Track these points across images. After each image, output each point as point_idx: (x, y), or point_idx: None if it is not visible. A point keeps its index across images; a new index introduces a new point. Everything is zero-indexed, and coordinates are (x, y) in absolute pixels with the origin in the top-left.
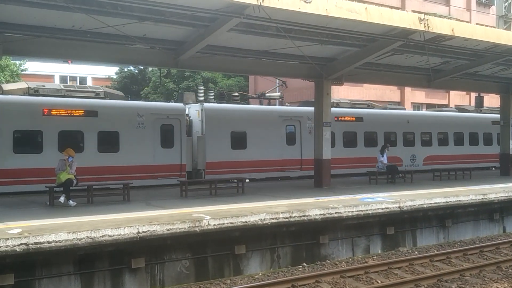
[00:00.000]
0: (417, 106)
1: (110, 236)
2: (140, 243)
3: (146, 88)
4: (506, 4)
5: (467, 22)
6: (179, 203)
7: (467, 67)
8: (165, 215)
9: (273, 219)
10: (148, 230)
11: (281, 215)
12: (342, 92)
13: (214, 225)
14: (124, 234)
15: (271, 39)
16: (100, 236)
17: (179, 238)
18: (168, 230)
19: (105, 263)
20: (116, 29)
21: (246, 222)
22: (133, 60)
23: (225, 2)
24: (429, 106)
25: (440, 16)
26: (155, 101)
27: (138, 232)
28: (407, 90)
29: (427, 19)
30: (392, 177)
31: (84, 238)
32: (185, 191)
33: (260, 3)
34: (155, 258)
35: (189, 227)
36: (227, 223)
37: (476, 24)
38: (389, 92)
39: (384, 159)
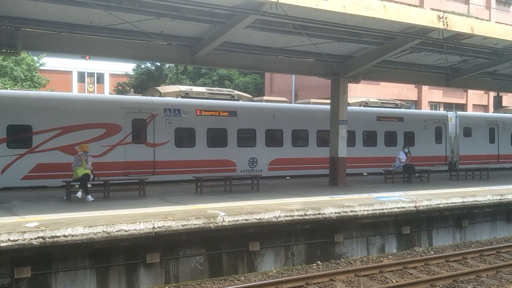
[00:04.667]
0: (434, 105)
1: (125, 231)
2: (155, 239)
3: (163, 84)
4: None
5: (487, 20)
6: (194, 199)
7: (486, 66)
8: (180, 211)
9: (287, 216)
10: (163, 226)
11: (295, 213)
12: (358, 91)
13: (229, 221)
14: (140, 229)
15: (288, 36)
16: (116, 231)
17: (193, 234)
18: (183, 226)
19: (121, 257)
20: (134, 25)
21: (260, 219)
22: (150, 57)
23: None
24: (447, 105)
25: (459, 14)
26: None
27: (154, 228)
28: (425, 88)
29: (446, 17)
30: (409, 176)
31: (100, 232)
32: (200, 187)
33: (278, 0)
34: (169, 254)
35: (204, 223)
36: (241, 219)
37: (496, 22)
38: (406, 91)
39: (403, 158)
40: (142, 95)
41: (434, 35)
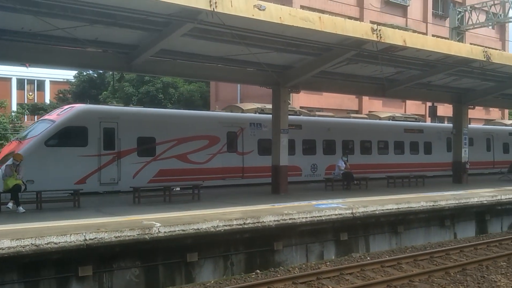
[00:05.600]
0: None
1: (55, 243)
2: (87, 251)
3: (105, 92)
4: (459, 16)
5: (424, 33)
6: (131, 210)
7: (420, 77)
8: (114, 222)
9: (226, 226)
10: (95, 238)
11: (234, 222)
12: (302, 100)
13: (165, 232)
14: (71, 242)
15: (227, 45)
16: (45, 243)
17: (128, 246)
18: (116, 237)
19: (51, 271)
20: (67, 32)
21: (198, 229)
22: (86, 64)
23: (177, 7)
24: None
25: (398, 27)
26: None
27: (85, 240)
28: (365, 99)
29: (379, 30)
30: (348, 183)
31: (29, 245)
32: (138, 197)
33: (213, 9)
34: (103, 266)
35: (139, 234)
36: (178, 230)
37: (432, 35)
38: (347, 101)
39: (342, 165)
40: (221, 111)
41: (368, 47)
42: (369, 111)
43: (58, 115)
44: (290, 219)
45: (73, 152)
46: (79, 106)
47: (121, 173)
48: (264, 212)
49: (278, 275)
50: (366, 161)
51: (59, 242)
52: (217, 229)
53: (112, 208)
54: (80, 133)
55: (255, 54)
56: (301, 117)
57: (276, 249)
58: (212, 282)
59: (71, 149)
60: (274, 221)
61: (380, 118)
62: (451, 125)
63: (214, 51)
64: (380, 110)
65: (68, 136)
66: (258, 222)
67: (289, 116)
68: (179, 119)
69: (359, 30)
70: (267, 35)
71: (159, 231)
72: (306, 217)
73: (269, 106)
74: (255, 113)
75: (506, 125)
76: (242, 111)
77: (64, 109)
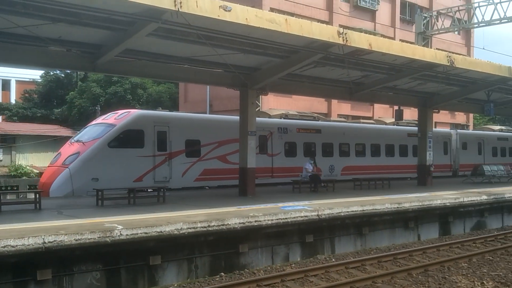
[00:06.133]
0: (343, 118)
1: (13, 246)
2: (46, 254)
3: (72, 92)
4: (425, 21)
5: (392, 38)
6: (93, 212)
7: (386, 81)
8: (75, 225)
9: (190, 228)
10: (54, 241)
11: (199, 225)
12: (271, 102)
13: (127, 235)
14: (29, 245)
15: (194, 46)
16: (2, 247)
17: (89, 249)
18: (76, 240)
19: (8, 275)
20: (29, 30)
21: (161, 232)
22: (49, 63)
23: (142, 6)
24: (354, 118)
25: (366, 31)
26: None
27: (44, 242)
28: (334, 102)
29: (345, 33)
30: (315, 186)
31: None
32: (101, 199)
33: (178, 9)
34: (63, 270)
35: (100, 237)
36: (140, 233)
37: (400, 40)
38: (317, 104)
39: (309, 168)
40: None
41: (335, 50)
42: (338, 114)
43: (116, 119)
44: (255, 221)
45: (132, 153)
46: (136, 111)
47: (172, 172)
48: (230, 215)
49: (243, 278)
50: (376, 162)
51: (17, 245)
52: (181, 232)
53: (74, 210)
54: (137, 136)
55: (222, 55)
56: (320, 122)
57: (242, 252)
58: (176, 285)
59: (130, 150)
60: (240, 223)
61: (386, 124)
62: (446, 130)
63: (180, 52)
64: (349, 114)
65: (127, 138)
66: (223, 225)
67: (308, 121)
68: (219, 123)
69: (326, 33)
70: (233, 36)
71: (121, 234)
72: (272, 220)
73: (293, 112)
74: (281, 118)
75: (494, 130)
76: (270, 116)
77: (120, 114)
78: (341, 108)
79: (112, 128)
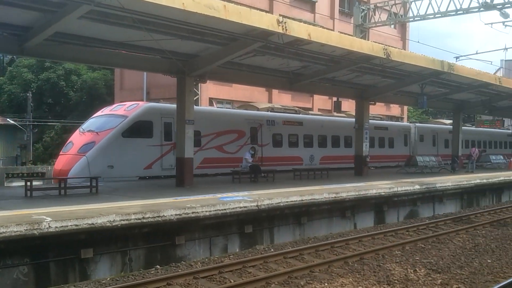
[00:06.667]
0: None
1: None
2: None
3: (1, 78)
4: (363, 14)
5: (331, 29)
6: (21, 204)
7: (325, 72)
8: (0, 217)
9: (124, 220)
10: None
11: (133, 216)
12: (211, 91)
13: (56, 227)
14: None
15: (129, 31)
16: None
17: (14, 242)
18: (1, 233)
19: None
20: None
21: (93, 224)
22: None
23: None
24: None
25: (306, 22)
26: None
27: None
28: (275, 92)
29: (285, 22)
30: (255, 176)
31: None
32: (30, 190)
33: None
34: None
35: (26, 230)
36: (71, 225)
37: (339, 32)
38: (257, 94)
39: (249, 158)
40: (241, 109)
41: (274, 39)
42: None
43: (127, 111)
44: (193, 212)
45: (142, 142)
46: (145, 104)
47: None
48: (166, 206)
49: (179, 270)
50: (348, 153)
51: None
52: (114, 224)
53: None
54: (147, 127)
55: (158, 40)
56: (302, 115)
57: (178, 244)
58: (109, 279)
59: (141, 140)
60: (176, 215)
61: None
62: (406, 123)
63: (115, 36)
64: (289, 104)
65: (138, 129)
66: (158, 216)
67: (292, 115)
68: (217, 115)
69: (265, 21)
70: (170, 21)
71: (49, 226)
72: (210, 211)
73: (278, 105)
74: (268, 111)
75: (446, 124)
76: (258, 109)
77: (129, 106)
78: (282, 98)
79: (125, 119)
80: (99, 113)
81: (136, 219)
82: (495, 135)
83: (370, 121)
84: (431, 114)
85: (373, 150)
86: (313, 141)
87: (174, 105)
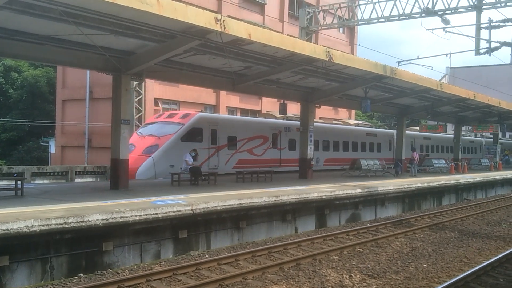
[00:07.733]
0: (232, 110)
1: None
2: None
3: None
4: (308, 17)
5: (280, 32)
6: None
7: (268, 73)
8: None
9: (43, 225)
10: None
11: (53, 221)
12: (157, 91)
13: None
14: None
15: (57, 24)
16: None
17: None
18: None
19: None
20: None
21: (7, 229)
22: None
23: None
24: (243, 111)
25: (255, 24)
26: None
27: None
28: (223, 94)
29: (223, 20)
30: (196, 179)
31: None
32: None
33: None
34: None
35: None
36: None
37: (288, 35)
38: (205, 95)
39: (190, 160)
40: (263, 117)
41: (213, 38)
42: (226, 107)
43: (182, 119)
44: (121, 217)
45: (195, 146)
46: (198, 114)
47: (219, 161)
48: (92, 210)
49: (104, 279)
50: (346, 156)
51: None
52: (32, 230)
53: None
54: (199, 133)
55: (89, 35)
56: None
57: (106, 250)
58: None
59: (194, 144)
60: (102, 219)
61: (350, 125)
62: (392, 131)
63: (41, 30)
64: (238, 106)
65: (193, 134)
66: (82, 222)
67: (297, 122)
68: (248, 123)
69: (202, 18)
70: (101, 15)
71: None
72: (140, 215)
73: (291, 114)
74: (284, 119)
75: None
76: (276, 117)
77: (183, 115)
78: (230, 100)
79: (182, 126)
80: (151, 119)
81: (57, 224)
82: (444, 140)
83: (367, 128)
84: (380, 119)
85: (365, 154)
86: (319, 145)
87: (218, 115)
